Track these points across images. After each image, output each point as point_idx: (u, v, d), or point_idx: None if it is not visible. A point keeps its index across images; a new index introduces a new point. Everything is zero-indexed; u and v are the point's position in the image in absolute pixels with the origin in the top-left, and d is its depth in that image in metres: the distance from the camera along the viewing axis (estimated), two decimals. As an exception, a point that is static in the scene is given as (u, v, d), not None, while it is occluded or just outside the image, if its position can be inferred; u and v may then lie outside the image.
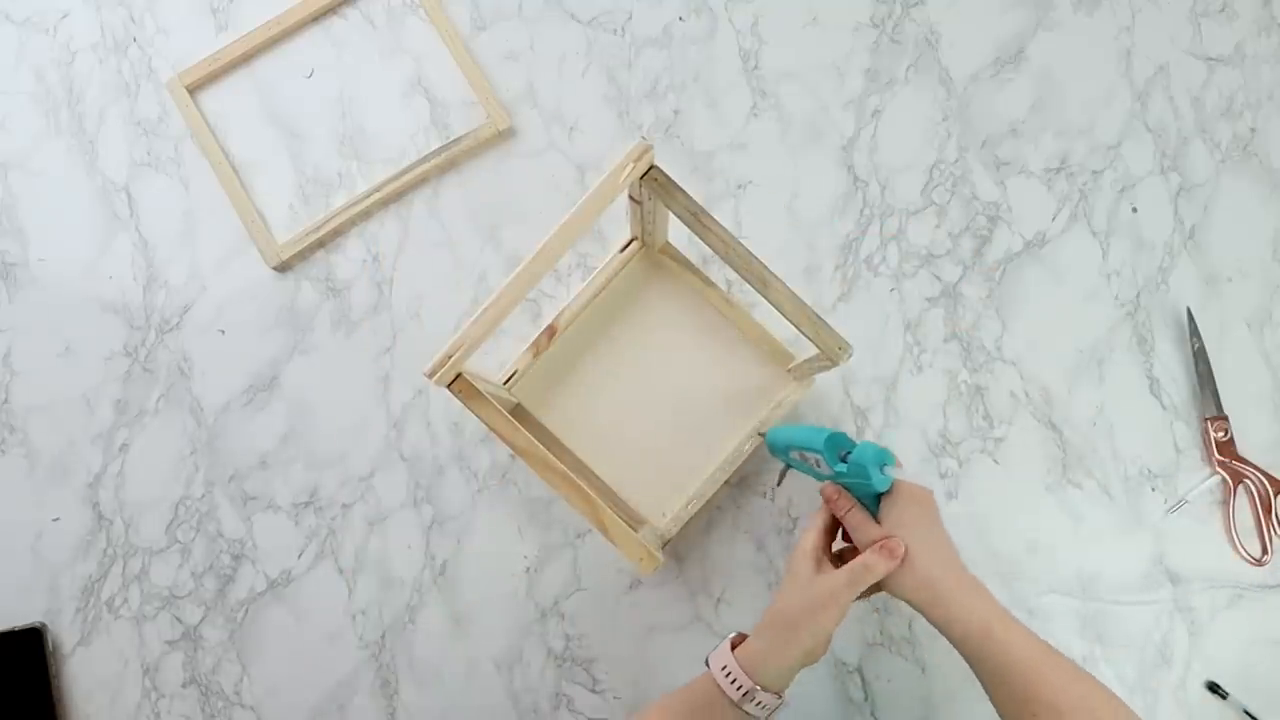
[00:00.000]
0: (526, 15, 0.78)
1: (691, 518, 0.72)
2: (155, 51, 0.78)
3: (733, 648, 0.58)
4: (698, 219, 0.59)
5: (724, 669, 0.56)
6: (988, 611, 0.55)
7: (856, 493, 0.58)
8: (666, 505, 0.73)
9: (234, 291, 0.77)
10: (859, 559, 0.56)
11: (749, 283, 0.60)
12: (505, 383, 0.74)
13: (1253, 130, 0.77)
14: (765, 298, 0.60)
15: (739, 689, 0.56)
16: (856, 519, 0.58)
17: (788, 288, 0.59)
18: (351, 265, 0.77)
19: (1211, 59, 0.78)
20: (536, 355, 0.75)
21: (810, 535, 0.59)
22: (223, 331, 0.76)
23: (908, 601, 0.56)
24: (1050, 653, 0.55)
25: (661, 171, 0.59)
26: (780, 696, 0.57)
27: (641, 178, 0.59)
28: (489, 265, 0.77)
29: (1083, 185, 0.77)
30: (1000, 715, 0.56)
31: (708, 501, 0.72)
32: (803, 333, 0.60)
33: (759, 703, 0.56)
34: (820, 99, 0.77)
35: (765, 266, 0.59)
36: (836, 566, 0.57)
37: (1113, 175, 0.77)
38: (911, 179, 0.77)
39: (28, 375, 0.76)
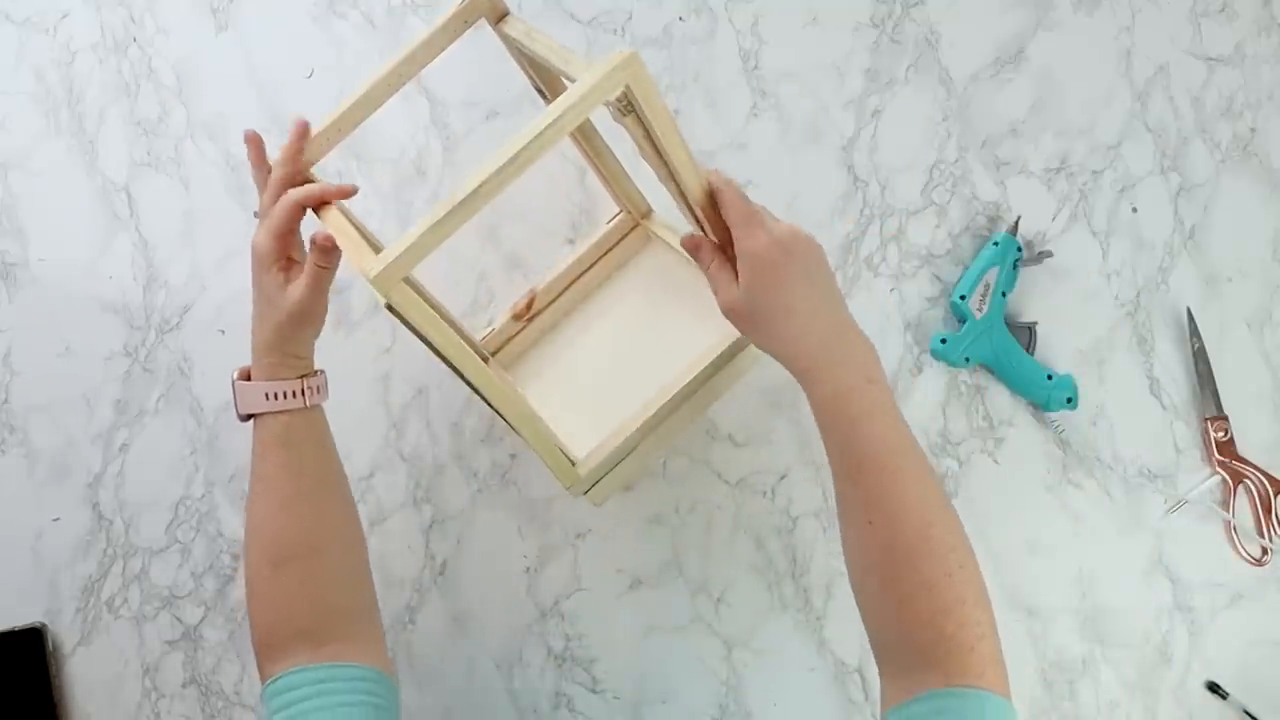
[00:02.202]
0: (526, 15, 0.78)
1: (626, 456, 0.64)
2: (155, 51, 0.78)
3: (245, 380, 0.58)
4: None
5: (266, 396, 0.56)
6: (850, 390, 0.52)
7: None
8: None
9: (234, 291, 0.76)
10: (313, 255, 0.55)
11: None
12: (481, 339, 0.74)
13: (1253, 130, 0.77)
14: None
15: (292, 395, 0.57)
16: (717, 272, 0.55)
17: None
18: (351, 265, 0.76)
19: (1211, 59, 0.78)
20: (515, 319, 0.74)
21: (264, 239, 0.56)
22: (223, 331, 0.76)
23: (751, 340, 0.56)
24: (902, 457, 0.51)
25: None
26: (311, 366, 0.59)
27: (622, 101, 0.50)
28: (489, 265, 0.77)
29: (1083, 185, 0.77)
30: (838, 504, 0.54)
31: (643, 440, 0.65)
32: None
33: (314, 388, 0.58)
34: (820, 99, 0.77)
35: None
36: None
37: (1113, 175, 0.77)
38: (911, 179, 0.77)
39: (28, 375, 0.76)
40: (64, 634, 0.75)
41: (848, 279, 0.76)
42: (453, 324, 0.72)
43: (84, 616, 0.75)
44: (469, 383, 0.56)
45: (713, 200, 0.55)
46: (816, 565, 0.74)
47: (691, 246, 0.58)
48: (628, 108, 0.51)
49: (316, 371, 0.59)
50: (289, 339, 0.57)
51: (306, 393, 0.57)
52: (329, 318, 0.75)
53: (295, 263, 0.58)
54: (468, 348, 0.56)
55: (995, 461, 0.75)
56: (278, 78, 0.78)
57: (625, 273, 0.76)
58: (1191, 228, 0.77)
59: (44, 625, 0.74)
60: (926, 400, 0.75)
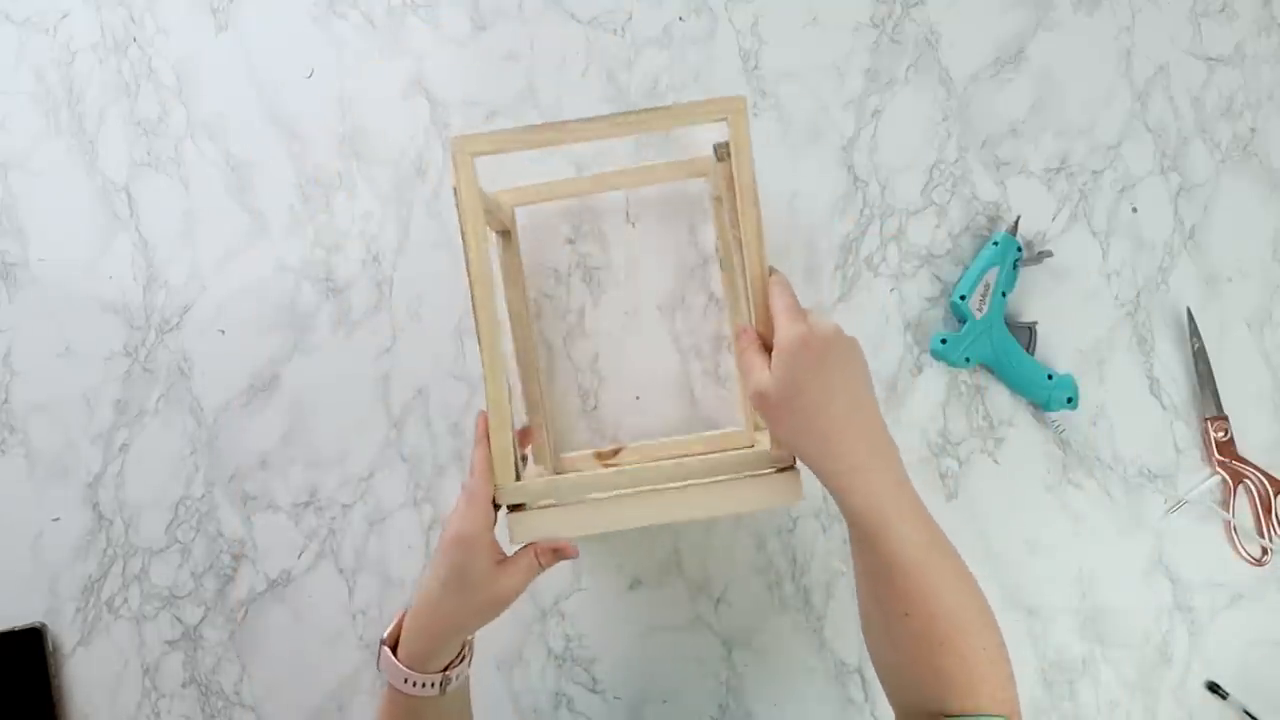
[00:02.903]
0: (526, 15, 0.78)
1: (569, 500, 0.59)
2: (155, 51, 0.78)
3: (393, 648, 0.57)
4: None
5: (406, 680, 0.56)
6: (883, 495, 0.52)
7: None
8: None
9: (234, 291, 0.77)
10: (534, 552, 0.55)
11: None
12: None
13: (1253, 130, 0.77)
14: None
15: (431, 686, 0.56)
16: (752, 355, 0.55)
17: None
18: (351, 265, 0.77)
19: (1211, 59, 0.78)
20: (597, 457, 0.73)
21: (485, 524, 0.54)
22: (223, 331, 0.76)
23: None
24: (937, 552, 0.52)
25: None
26: (468, 651, 0.59)
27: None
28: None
29: (1083, 185, 0.77)
30: (861, 603, 0.55)
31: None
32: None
33: (455, 676, 0.57)
34: (820, 99, 0.77)
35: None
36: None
37: (1113, 175, 0.77)
38: (911, 179, 0.77)
39: (28, 375, 0.76)
40: (64, 634, 0.75)
41: (848, 279, 0.76)
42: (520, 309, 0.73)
43: (84, 616, 0.75)
44: (479, 341, 0.58)
45: (766, 287, 0.56)
46: (816, 565, 0.74)
47: (737, 330, 0.58)
48: (725, 153, 0.58)
49: (466, 647, 0.58)
50: (468, 629, 0.57)
51: (447, 683, 0.57)
52: (329, 318, 0.76)
53: (501, 555, 0.57)
54: (493, 306, 0.57)
55: (995, 461, 0.75)
56: (278, 78, 0.78)
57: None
58: (1191, 228, 0.77)
59: (44, 625, 0.74)
60: (926, 400, 0.75)
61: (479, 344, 0.58)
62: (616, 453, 0.74)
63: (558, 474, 0.70)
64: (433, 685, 0.57)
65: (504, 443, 0.57)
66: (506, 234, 0.74)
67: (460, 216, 0.57)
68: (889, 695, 0.55)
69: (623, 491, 0.58)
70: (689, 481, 0.58)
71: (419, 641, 0.56)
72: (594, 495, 0.58)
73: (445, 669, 0.57)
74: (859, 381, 0.54)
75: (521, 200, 0.75)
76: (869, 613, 0.54)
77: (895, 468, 0.54)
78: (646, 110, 0.56)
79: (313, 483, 0.75)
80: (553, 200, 0.75)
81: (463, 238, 0.57)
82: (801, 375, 0.52)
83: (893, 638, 0.53)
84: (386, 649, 0.57)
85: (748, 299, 0.58)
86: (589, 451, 0.74)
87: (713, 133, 0.62)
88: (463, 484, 0.58)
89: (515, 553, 0.57)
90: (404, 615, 0.58)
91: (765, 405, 0.54)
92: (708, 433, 0.74)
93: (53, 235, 0.77)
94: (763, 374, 0.53)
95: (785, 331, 0.53)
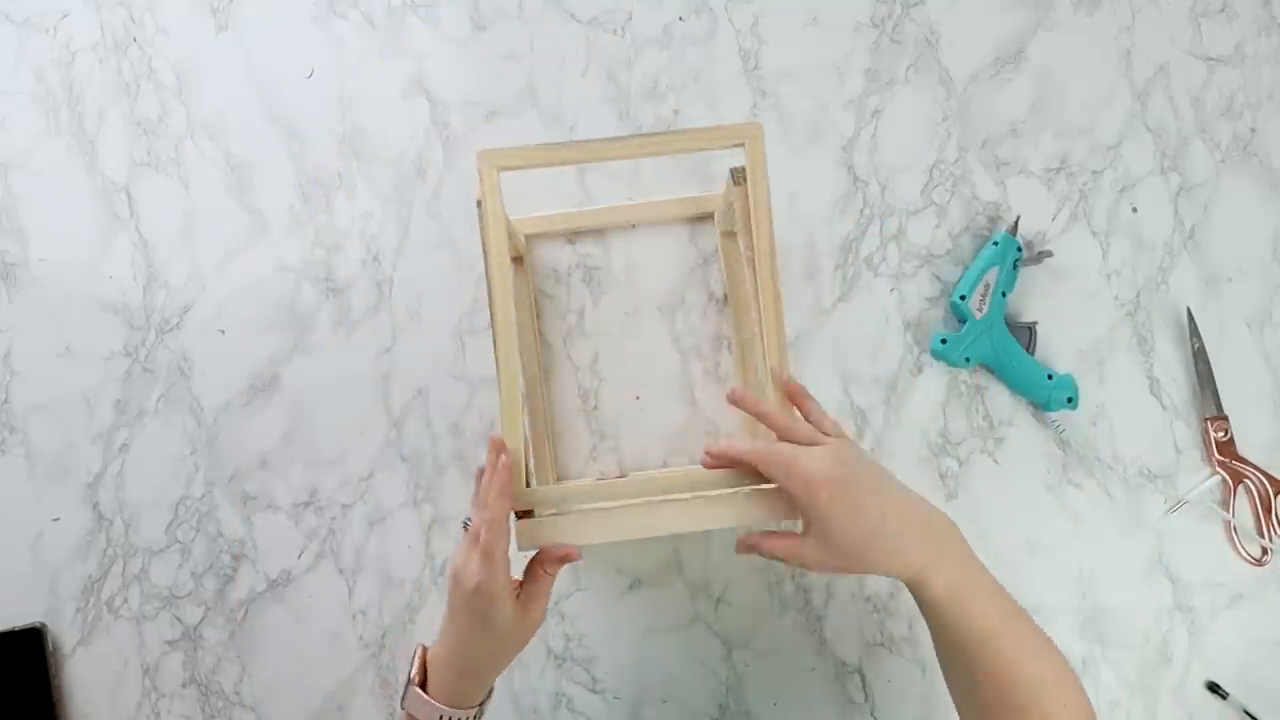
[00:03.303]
0: (526, 15, 0.78)
1: (575, 507, 0.59)
2: (155, 51, 0.78)
3: (421, 684, 0.56)
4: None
5: (441, 718, 0.55)
6: (958, 580, 0.54)
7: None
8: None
9: (234, 291, 0.76)
10: (541, 565, 0.55)
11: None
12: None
13: (1253, 130, 0.77)
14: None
15: None
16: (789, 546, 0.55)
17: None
18: (351, 265, 0.77)
19: (1211, 59, 0.78)
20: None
21: (496, 574, 0.53)
22: (223, 331, 0.76)
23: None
24: (1012, 620, 0.54)
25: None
26: (492, 684, 0.58)
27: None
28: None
29: (1083, 185, 0.77)
30: (946, 673, 0.56)
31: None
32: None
33: (480, 711, 0.57)
34: (820, 99, 0.77)
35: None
36: None
37: (1113, 175, 0.77)
38: (911, 179, 0.77)
39: (28, 375, 0.76)
40: (64, 634, 0.75)
41: (847, 279, 0.76)
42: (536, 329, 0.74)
43: (84, 616, 0.75)
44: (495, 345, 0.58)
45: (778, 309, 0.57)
46: (816, 565, 0.74)
47: (753, 542, 0.58)
48: (742, 176, 0.60)
49: (492, 690, 0.59)
50: (504, 664, 0.56)
51: (480, 716, 0.57)
52: (329, 318, 0.76)
53: (519, 591, 0.56)
54: (512, 318, 0.57)
55: (995, 461, 0.75)
56: (278, 78, 0.78)
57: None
58: (1191, 228, 0.77)
59: (44, 625, 0.74)
60: (926, 400, 0.75)
61: (495, 357, 0.58)
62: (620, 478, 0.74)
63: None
64: (483, 707, 0.57)
65: (514, 440, 0.57)
66: (519, 260, 0.74)
67: (483, 230, 0.57)
68: None
69: (631, 502, 0.58)
70: (697, 494, 0.58)
71: (459, 683, 0.56)
72: (602, 504, 0.58)
73: (481, 705, 0.58)
74: (890, 479, 0.56)
75: (535, 230, 0.76)
76: (954, 683, 0.57)
77: (960, 547, 0.55)
78: (667, 133, 0.59)
79: (313, 483, 0.75)
80: (565, 231, 0.76)
81: (485, 253, 0.57)
82: (849, 509, 0.53)
83: (977, 705, 0.54)
84: (416, 688, 0.56)
85: (759, 331, 0.59)
86: (592, 480, 0.74)
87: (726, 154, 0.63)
88: (468, 523, 0.57)
89: (527, 580, 0.56)
90: (425, 653, 0.57)
91: (830, 557, 0.54)
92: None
93: (53, 235, 0.77)
94: (813, 549, 0.54)
95: (814, 464, 0.53)
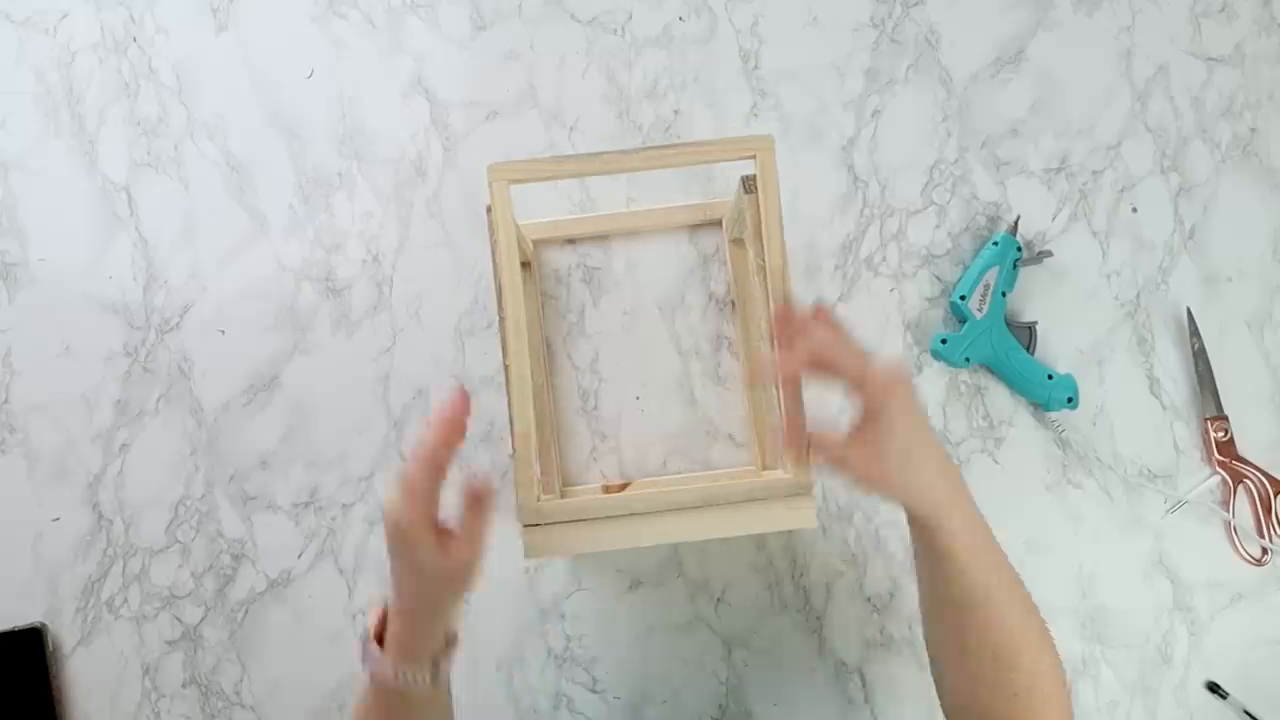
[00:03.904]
0: (526, 15, 0.78)
1: (588, 518, 0.60)
2: (155, 51, 0.78)
3: (378, 639, 0.54)
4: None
5: (395, 675, 0.53)
6: (974, 523, 0.55)
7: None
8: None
9: (234, 291, 0.77)
10: (473, 522, 0.51)
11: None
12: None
13: (1253, 130, 0.77)
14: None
15: (421, 678, 0.54)
16: (850, 355, 0.53)
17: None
18: (351, 265, 0.77)
19: (1211, 59, 0.78)
20: (604, 490, 0.74)
21: (406, 509, 0.51)
22: (223, 331, 0.76)
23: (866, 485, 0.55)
24: (1009, 574, 0.55)
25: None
26: (454, 639, 0.56)
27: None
28: (489, 265, 0.76)
29: (1083, 185, 0.77)
30: (934, 626, 0.57)
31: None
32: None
33: (442, 669, 0.55)
34: (820, 99, 0.77)
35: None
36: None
37: (1113, 175, 0.77)
38: (911, 179, 0.77)
39: (28, 375, 0.76)
40: (64, 634, 0.75)
41: (847, 279, 0.76)
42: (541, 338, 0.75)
43: (84, 616, 0.75)
44: (505, 361, 0.58)
45: (783, 323, 0.56)
46: (816, 565, 0.74)
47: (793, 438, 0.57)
48: (752, 186, 0.61)
49: (454, 636, 0.56)
50: (444, 612, 0.55)
51: (438, 671, 0.55)
52: (329, 318, 0.76)
53: (443, 530, 0.53)
54: (524, 327, 0.58)
55: (995, 461, 0.75)
56: (278, 78, 0.78)
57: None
58: (1191, 228, 0.77)
59: (44, 625, 0.74)
60: (927, 400, 0.75)
61: (504, 363, 0.59)
62: (624, 487, 0.74)
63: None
64: (423, 677, 0.54)
65: (526, 461, 0.58)
66: (526, 265, 0.74)
67: (493, 242, 0.58)
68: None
69: (638, 512, 0.59)
70: (705, 505, 0.59)
71: (403, 632, 0.54)
72: (610, 514, 0.59)
73: (435, 657, 0.55)
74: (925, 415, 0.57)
75: (542, 235, 0.76)
76: (946, 641, 0.57)
77: (969, 494, 0.56)
78: (676, 145, 0.59)
79: (313, 483, 0.75)
80: (573, 237, 0.77)
81: (495, 265, 0.58)
82: (898, 414, 0.53)
83: (965, 658, 0.55)
84: (374, 644, 0.55)
85: (769, 333, 0.59)
86: (597, 485, 0.74)
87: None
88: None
89: (456, 520, 0.53)
90: (384, 612, 0.56)
91: (869, 458, 0.53)
92: (715, 471, 0.75)
93: (53, 235, 0.77)
94: (862, 447, 0.53)
95: (893, 364, 0.53)
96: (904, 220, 0.77)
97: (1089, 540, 0.74)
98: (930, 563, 0.55)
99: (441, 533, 0.52)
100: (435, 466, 0.51)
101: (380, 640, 0.55)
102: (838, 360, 0.53)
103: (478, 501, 0.52)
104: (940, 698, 0.58)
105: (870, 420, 0.53)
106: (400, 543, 0.52)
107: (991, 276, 0.73)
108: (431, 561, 0.51)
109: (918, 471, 0.53)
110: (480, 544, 0.52)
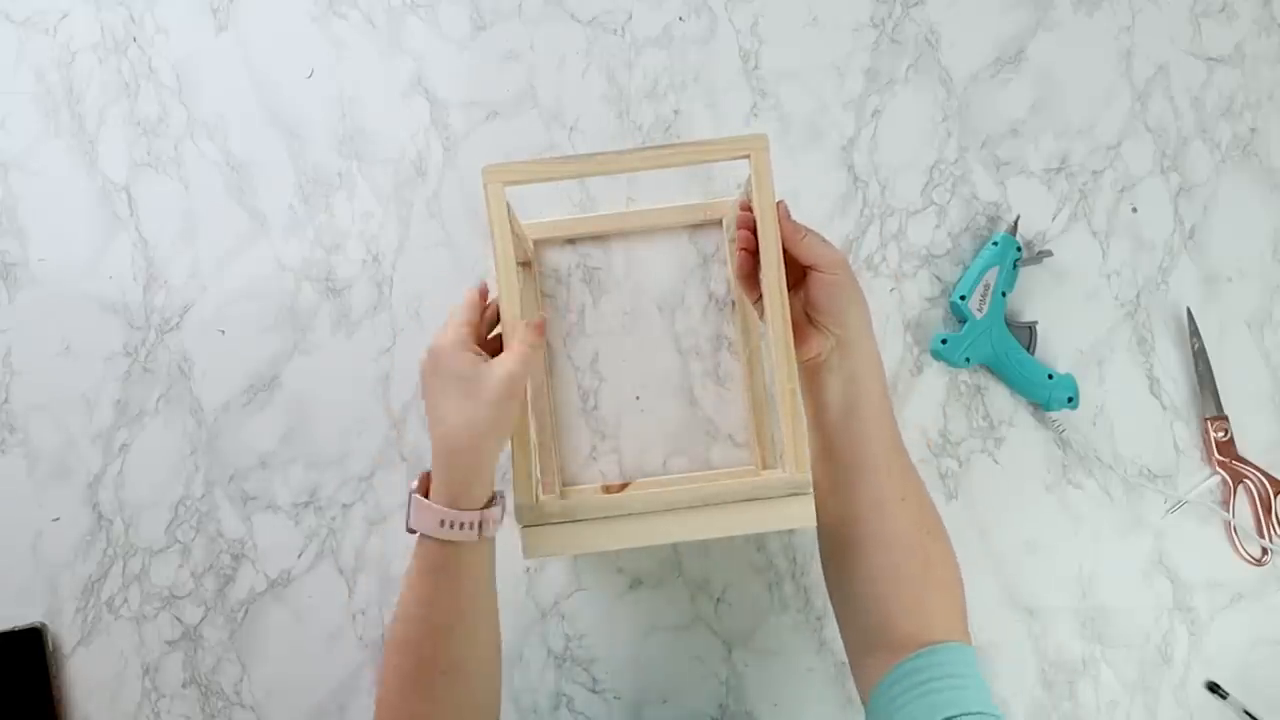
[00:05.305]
0: (526, 15, 0.78)
1: (585, 519, 0.60)
2: (155, 51, 0.78)
3: (424, 493, 0.54)
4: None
5: (442, 523, 0.53)
6: (868, 393, 0.60)
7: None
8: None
9: (234, 291, 0.77)
10: (520, 341, 0.55)
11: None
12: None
13: (1253, 130, 0.77)
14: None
15: (470, 527, 0.53)
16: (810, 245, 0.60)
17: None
18: (351, 265, 0.77)
19: (1211, 59, 0.78)
20: (604, 490, 0.75)
21: (460, 328, 0.56)
22: (223, 331, 0.76)
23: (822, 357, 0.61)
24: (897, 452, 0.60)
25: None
26: (498, 499, 0.56)
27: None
28: (489, 265, 0.76)
29: (1083, 185, 0.77)
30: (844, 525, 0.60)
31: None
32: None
33: (492, 521, 0.55)
34: (820, 99, 0.77)
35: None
36: None
37: (1113, 175, 0.77)
38: (911, 179, 0.77)
39: (28, 375, 0.76)
40: (64, 634, 0.75)
41: (848, 279, 0.76)
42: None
43: (84, 616, 0.75)
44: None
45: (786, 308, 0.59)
46: (816, 565, 0.74)
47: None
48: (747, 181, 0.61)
49: (497, 495, 0.57)
50: (487, 450, 0.54)
51: (484, 525, 0.55)
52: (329, 318, 0.76)
53: (481, 354, 0.56)
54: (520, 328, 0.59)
55: (995, 461, 0.75)
56: (278, 78, 0.78)
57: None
58: (1191, 228, 0.77)
59: (44, 625, 0.74)
60: (926, 400, 0.75)
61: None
62: (624, 487, 0.74)
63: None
64: (471, 527, 0.53)
65: (524, 464, 0.58)
66: (527, 265, 0.74)
67: (494, 243, 0.58)
68: (852, 633, 0.60)
69: (637, 512, 0.59)
70: (705, 505, 0.59)
71: (447, 479, 0.53)
72: (609, 514, 0.59)
73: (483, 507, 0.55)
74: None
75: (542, 235, 0.76)
76: (844, 538, 0.59)
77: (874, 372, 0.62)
78: (673, 145, 0.60)
79: (313, 483, 0.75)
80: (573, 237, 0.77)
81: (496, 268, 0.58)
82: (849, 281, 0.60)
83: (887, 531, 0.58)
84: (418, 495, 0.54)
85: (766, 332, 0.60)
86: (597, 485, 0.74)
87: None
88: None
89: (501, 340, 0.57)
90: (427, 474, 0.55)
91: (839, 275, 0.60)
92: (715, 471, 0.75)
93: (53, 235, 0.77)
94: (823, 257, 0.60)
95: (831, 252, 0.61)
96: (904, 220, 0.77)
97: (1089, 540, 0.74)
98: (834, 387, 0.60)
99: (480, 354, 0.55)
100: (471, 305, 0.57)
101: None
102: (806, 238, 0.60)
103: (538, 335, 0.56)
104: (834, 597, 0.62)
105: (828, 280, 0.60)
106: (441, 361, 0.54)
107: (991, 276, 0.73)
108: (476, 375, 0.53)
109: (858, 307, 0.61)
110: (525, 360, 0.54)
